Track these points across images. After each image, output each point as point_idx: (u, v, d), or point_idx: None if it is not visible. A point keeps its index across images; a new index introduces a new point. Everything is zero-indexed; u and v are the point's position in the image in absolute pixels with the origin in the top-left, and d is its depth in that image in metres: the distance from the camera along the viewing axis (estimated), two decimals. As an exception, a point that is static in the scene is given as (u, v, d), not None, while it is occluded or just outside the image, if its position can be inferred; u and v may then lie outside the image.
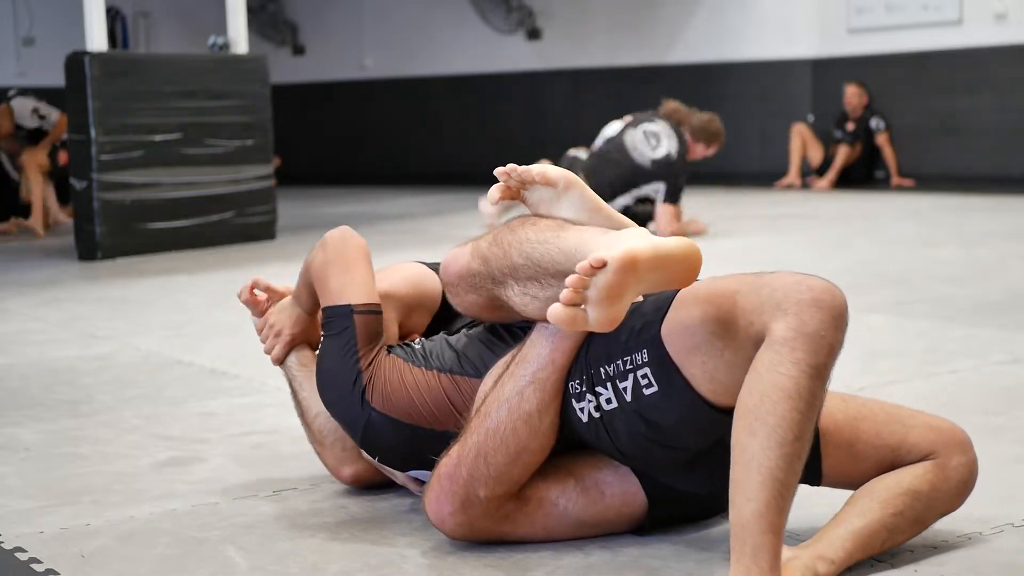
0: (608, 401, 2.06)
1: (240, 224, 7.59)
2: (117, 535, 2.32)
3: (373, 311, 2.33)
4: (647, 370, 2.01)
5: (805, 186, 10.92)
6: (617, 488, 2.18)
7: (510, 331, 2.26)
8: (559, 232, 2.08)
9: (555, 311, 1.87)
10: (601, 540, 2.23)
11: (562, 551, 2.18)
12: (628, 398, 2.04)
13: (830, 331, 1.87)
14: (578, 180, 2.16)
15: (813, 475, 2.17)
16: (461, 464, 2.10)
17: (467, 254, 2.17)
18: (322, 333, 2.39)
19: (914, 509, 2.08)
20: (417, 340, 2.39)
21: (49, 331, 4.65)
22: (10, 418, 3.29)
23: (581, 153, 7.25)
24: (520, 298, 2.11)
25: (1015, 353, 3.77)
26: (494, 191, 2.14)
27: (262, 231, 7.71)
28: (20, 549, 2.25)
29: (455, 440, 2.15)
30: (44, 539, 2.31)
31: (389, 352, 2.32)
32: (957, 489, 2.13)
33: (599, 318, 1.88)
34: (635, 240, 1.94)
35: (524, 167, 2.14)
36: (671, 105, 7.09)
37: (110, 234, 6.95)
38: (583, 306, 1.88)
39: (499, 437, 2.09)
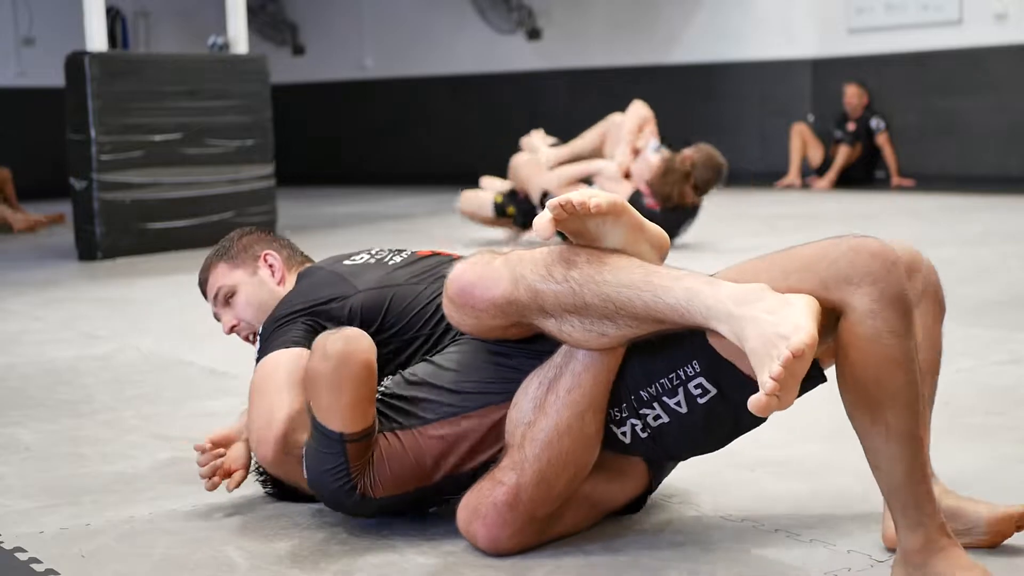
0: (657, 418, 2.10)
1: (240, 224, 7.55)
2: (117, 535, 2.32)
3: (366, 435, 2.18)
4: (700, 379, 2.05)
5: (805, 186, 10.92)
6: (627, 465, 2.24)
7: (507, 344, 2.21)
8: (647, 277, 2.00)
9: (757, 402, 1.81)
10: (601, 540, 2.23)
11: (562, 551, 2.18)
12: (683, 410, 2.08)
13: (904, 287, 1.93)
14: (626, 206, 2.07)
15: None
16: (521, 492, 2.10)
17: (507, 281, 2.06)
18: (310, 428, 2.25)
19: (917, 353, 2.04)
20: (385, 384, 2.31)
21: (49, 331, 4.65)
22: (10, 418, 3.29)
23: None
24: (575, 332, 2.05)
25: (1015, 353, 3.77)
26: (546, 225, 2.00)
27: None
28: (20, 549, 2.25)
29: (496, 469, 2.13)
30: (44, 539, 2.31)
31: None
32: (936, 308, 2.37)
33: (790, 400, 1.84)
34: (798, 314, 1.86)
35: (579, 199, 2.01)
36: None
37: (110, 234, 6.95)
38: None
39: (562, 462, 2.10)
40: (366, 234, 7.76)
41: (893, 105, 10.90)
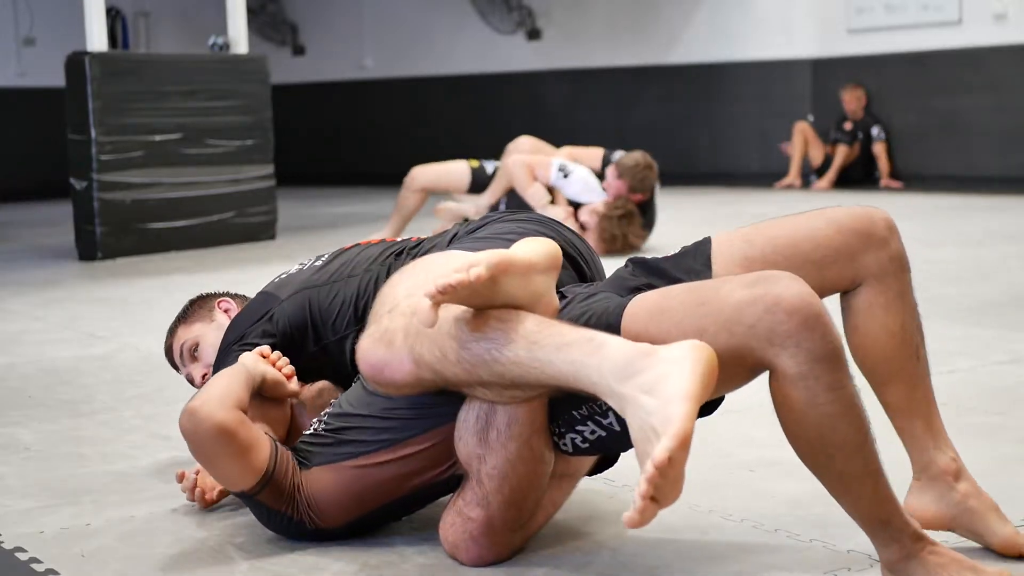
0: (593, 432, 2.08)
1: (240, 224, 7.59)
2: (117, 535, 2.33)
3: (266, 483, 2.17)
4: None
5: (806, 186, 10.92)
6: None
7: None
8: (531, 352, 1.91)
9: (630, 518, 1.73)
10: (600, 540, 2.23)
11: (562, 551, 2.18)
12: (617, 428, 2.05)
13: (832, 337, 1.89)
14: (509, 259, 1.94)
15: None
16: (493, 522, 2.09)
17: (409, 363, 1.98)
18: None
19: (915, 329, 2.16)
20: (314, 425, 2.28)
21: (49, 331, 4.65)
22: (10, 418, 3.29)
23: (489, 165, 7.14)
24: (489, 396, 2.01)
25: (1015, 353, 3.77)
26: (428, 314, 1.89)
27: (262, 231, 7.71)
28: (20, 549, 2.25)
29: (463, 503, 2.11)
30: (44, 539, 2.31)
31: (304, 467, 2.21)
32: (903, 272, 2.18)
33: (670, 500, 1.77)
34: (675, 399, 1.78)
35: (456, 279, 1.86)
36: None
37: (110, 234, 6.95)
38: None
39: (524, 487, 2.09)
40: (365, 234, 7.76)
41: (893, 105, 10.90)
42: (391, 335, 2.01)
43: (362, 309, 2.41)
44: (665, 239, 6.67)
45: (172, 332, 2.80)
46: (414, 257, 2.43)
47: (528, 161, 6.72)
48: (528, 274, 1.97)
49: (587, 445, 2.10)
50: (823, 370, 1.86)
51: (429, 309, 1.88)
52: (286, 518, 2.20)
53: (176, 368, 2.78)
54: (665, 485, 1.73)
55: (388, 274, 2.39)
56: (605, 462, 2.30)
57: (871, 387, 2.14)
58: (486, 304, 1.95)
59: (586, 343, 1.89)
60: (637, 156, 6.64)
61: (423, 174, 7.17)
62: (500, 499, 2.08)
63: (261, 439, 2.19)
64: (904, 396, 2.13)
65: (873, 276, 2.12)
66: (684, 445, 1.74)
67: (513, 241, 2.14)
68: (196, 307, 2.82)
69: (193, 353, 2.71)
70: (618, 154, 6.83)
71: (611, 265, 2.35)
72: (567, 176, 6.68)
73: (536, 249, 2.03)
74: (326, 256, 2.62)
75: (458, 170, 7.13)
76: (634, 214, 6.45)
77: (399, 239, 2.61)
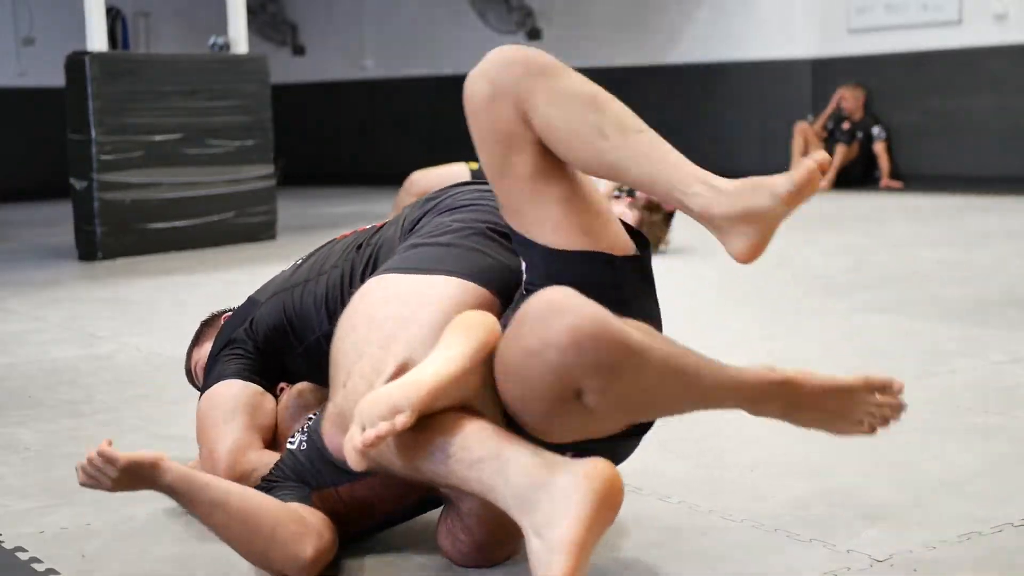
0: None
1: (240, 224, 7.59)
2: (117, 535, 2.33)
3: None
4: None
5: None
6: None
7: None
8: (449, 466, 1.85)
9: None
10: (601, 540, 2.23)
11: (562, 551, 2.18)
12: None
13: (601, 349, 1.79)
14: (432, 391, 1.84)
15: None
16: (480, 543, 2.07)
17: (364, 466, 1.89)
18: None
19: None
20: (298, 441, 2.27)
21: (50, 331, 4.65)
22: (11, 418, 3.29)
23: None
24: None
25: (1015, 353, 3.77)
26: (358, 460, 1.83)
27: (262, 231, 7.71)
28: (21, 549, 2.25)
29: (452, 524, 2.10)
30: (44, 539, 2.31)
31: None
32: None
33: None
34: (558, 559, 1.71)
35: (384, 430, 1.79)
36: None
37: (110, 234, 6.95)
38: None
39: (506, 518, 2.02)
40: (366, 234, 7.75)
41: (893, 105, 10.90)
42: (344, 420, 2.00)
43: (332, 308, 2.39)
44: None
45: (188, 356, 2.84)
46: (372, 250, 2.40)
47: None
48: (461, 384, 1.88)
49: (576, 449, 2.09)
50: (613, 401, 1.82)
51: (358, 460, 1.83)
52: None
53: (198, 389, 2.80)
54: None
55: (351, 270, 2.39)
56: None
57: None
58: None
59: (492, 461, 1.81)
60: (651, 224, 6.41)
61: (423, 178, 7.17)
62: (483, 530, 2.06)
63: (305, 526, 2.08)
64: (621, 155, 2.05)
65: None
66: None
67: (462, 253, 2.13)
68: (205, 327, 2.84)
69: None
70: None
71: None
72: None
73: (471, 346, 1.90)
74: (306, 256, 2.63)
75: (458, 173, 7.12)
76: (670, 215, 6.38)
77: (366, 227, 2.59)
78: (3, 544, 2.28)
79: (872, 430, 2.08)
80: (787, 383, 2.02)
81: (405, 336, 2.02)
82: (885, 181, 10.69)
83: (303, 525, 2.05)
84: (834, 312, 4.60)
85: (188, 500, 2.04)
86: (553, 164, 2.04)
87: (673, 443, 2.86)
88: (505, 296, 2.12)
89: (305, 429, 2.24)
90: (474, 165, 7.15)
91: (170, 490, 2.04)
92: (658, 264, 2.20)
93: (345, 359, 2.07)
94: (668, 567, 2.10)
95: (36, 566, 2.16)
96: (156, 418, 3.25)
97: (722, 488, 2.52)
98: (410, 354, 1.99)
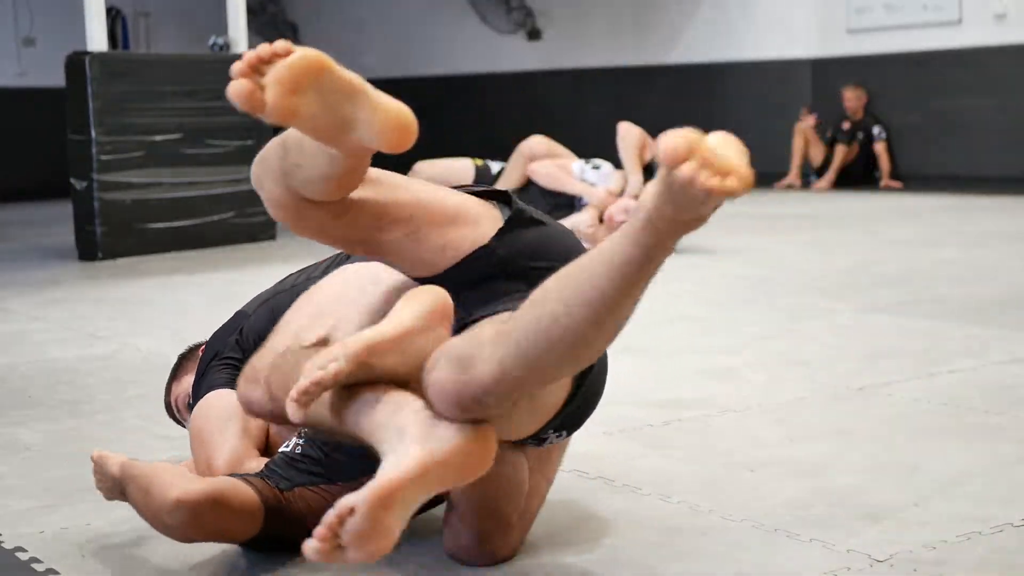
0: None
1: (240, 224, 7.59)
2: (117, 535, 2.33)
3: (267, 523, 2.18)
4: None
5: (806, 186, 10.92)
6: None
7: None
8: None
9: (309, 548, 1.67)
10: (601, 540, 2.23)
11: (563, 551, 2.18)
12: None
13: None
14: (371, 346, 1.84)
15: None
16: (479, 534, 2.10)
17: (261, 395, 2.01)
18: None
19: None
20: (295, 445, 2.29)
21: (50, 331, 4.65)
22: (11, 418, 3.29)
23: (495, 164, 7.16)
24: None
25: (1015, 353, 3.77)
26: (297, 412, 1.82)
27: (262, 231, 7.71)
28: (21, 549, 2.25)
29: (449, 517, 2.13)
30: (44, 539, 2.31)
31: (286, 488, 2.21)
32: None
33: (360, 557, 1.69)
34: (395, 465, 1.72)
35: (316, 378, 1.82)
36: None
37: (110, 234, 6.95)
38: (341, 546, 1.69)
39: (496, 505, 2.09)
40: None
41: (893, 105, 10.90)
42: (254, 373, 2.03)
43: None
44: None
45: (168, 391, 2.84)
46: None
47: (551, 164, 6.78)
48: (402, 346, 1.86)
49: (566, 433, 2.11)
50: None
51: (295, 410, 1.81)
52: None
53: (180, 423, 2.81)
54: (351, 539, 1.67)
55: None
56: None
57: None
58: (366, 380, 1.86)
59: (393, 408, 1.83)
60: None
61: (426, 169, 7.18)
62: (478, 518, 2.08)
63: (245, 499, 2.13)
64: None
65: None
66: (383, 504, 1.68)
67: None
68: (183, 361, 2.85)
69: (188, 405, 2.72)
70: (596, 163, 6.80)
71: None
72: (598, 168, 6.72)
73: (414, 311, 1.88)
74: (297, 271, 2.63)
75: (461, 167, 7.13)
76: None
77: None
78: (3, 544, 2.28)
79: None
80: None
81: (336, 312, 2.05)
82: (886, 181, 10.70)
83: (181, 477, 2.09)
84: (834, 312, 4.60)
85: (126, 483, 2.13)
86: (371, 217, 2.00)
87: (673, 443, 2.86)
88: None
89: (302, 434, 2.24)
90: (479, 161, 7.19)
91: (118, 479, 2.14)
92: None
93: (278, 328, 2.11)
94: (668, 567, 2.10)
95: (36, 566, 2.16)
96: (156, 418, 3.25)
97: (722, 488, 2.52)
98: (335, 328, 2.01)
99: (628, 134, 6.69)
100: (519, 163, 6.89)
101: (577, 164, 6.82)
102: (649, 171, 6.67)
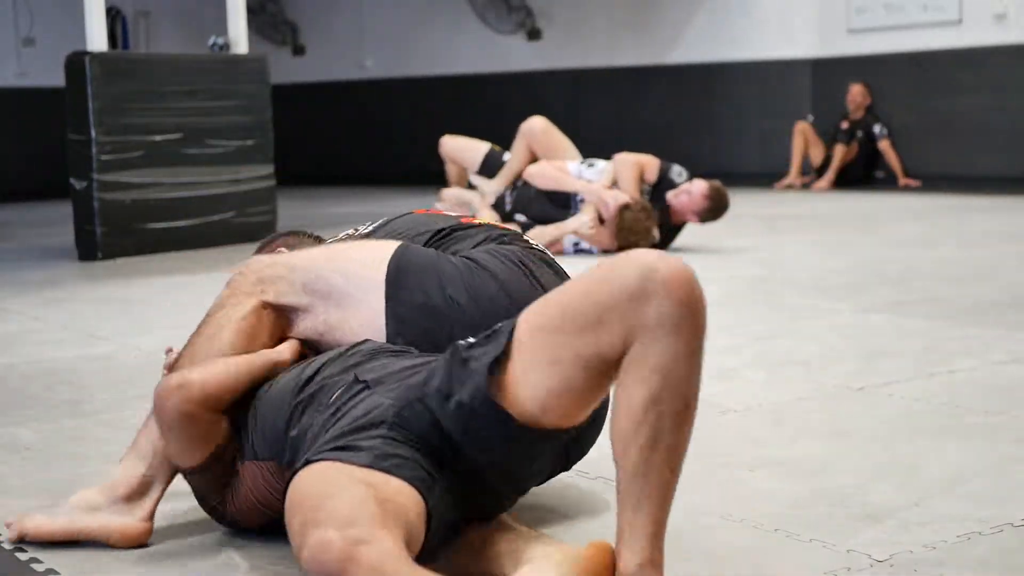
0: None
1: (240, 224, 7.58)
2: (117, 535, 2.32)
3: (193, 472, 2.24)
4: None
5: (805, 186, 10.92)
6: None
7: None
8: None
9: None
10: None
11: (562, 551, 2.17)
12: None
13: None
14: None
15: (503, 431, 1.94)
16: None
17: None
18: None
19: (665, 413, 1.82)
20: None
21: (49, 331, 4.65)
22: (11, 418, 3.29)
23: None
24: None
25: (1015, 353, 3.77)
26: None
27: (262, 231, 7.70)
28: (20, 549, 2.25)
29: None
30: (44, 539, 2.31)
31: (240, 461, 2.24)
32: (673, 340, 1.83)
33: None
34: None
35: None
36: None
37: (110, 234, 6.94)
38: None
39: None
40: (366, 234, 7.75)
41: (893, 105, 10.90)
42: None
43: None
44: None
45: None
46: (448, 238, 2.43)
47: (548, 165, 6.85)
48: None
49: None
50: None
51: None
52: (211, 504, 2.27)
53: None
54: None
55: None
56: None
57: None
58: None
59: None
60: (633, 219, 6.43)
61: (448, 143, 7.50)
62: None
63: (218, 433, 2.20)
64: (622, 480, 1.84)
65: (637, 340, 1.81)
66: None
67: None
68: (266, 243, 2.84)
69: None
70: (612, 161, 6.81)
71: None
72: (592, 166, 6.78)
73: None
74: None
75: (477, 148, 7.40)
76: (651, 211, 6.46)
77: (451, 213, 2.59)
78: (3, 544, 2.28)
79: None
80: None
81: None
82: (903, 180, 10.60)
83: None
84: (834, 312, 4.60)
85: None
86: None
87: (673, 443, 2.86)
88: None
89: None
90: (496, 147, 7.34)
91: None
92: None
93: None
94: (668, 567, 2.09)
95: (36, 566, 2.16)
96: (156, 418, 3.25)
97: (722, 488, 2.52)
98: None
99: (623, 166, 6.71)
100: (521, 144, 7.07)
101: (573, 165, 6.86)
102: (660, 189, 6.67)
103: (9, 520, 2.29)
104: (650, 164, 6.74)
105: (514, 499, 2.11)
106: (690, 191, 6.52)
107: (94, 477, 2.71)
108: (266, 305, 2.33)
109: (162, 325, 4.75)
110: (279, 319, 2.34)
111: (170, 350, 2.47)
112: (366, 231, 2.57)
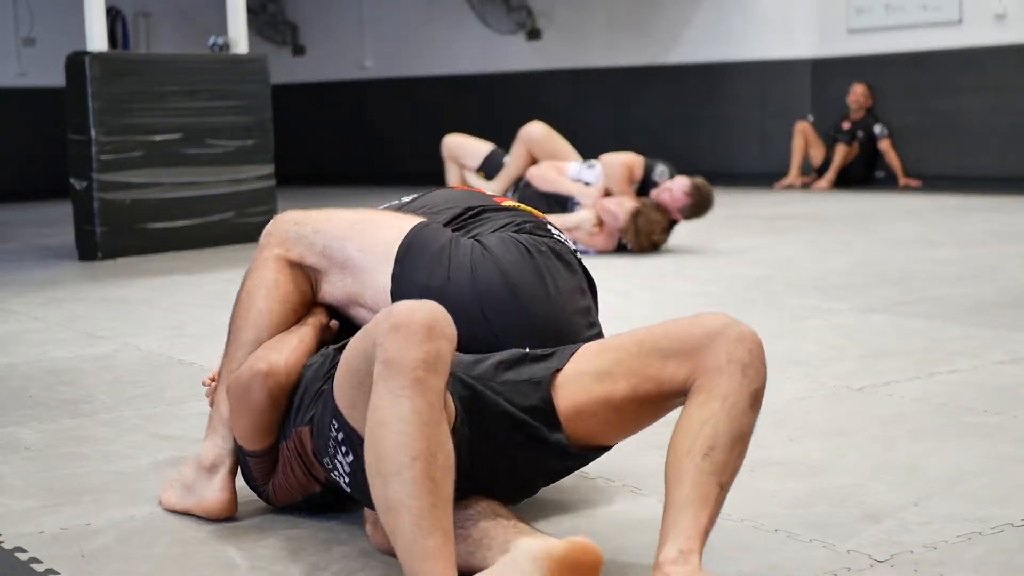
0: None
1: (240, 224, 7.58)
2: (117, 535, 2.33)
3: (258, 455, 2.34)
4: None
5: (806, 186, 10.92)
6: None
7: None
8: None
9: None
10: (601, 540, 2.22)
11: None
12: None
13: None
14: None
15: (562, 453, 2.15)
16: None
17: None
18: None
19: (720, 432, 1.94)
20: None
21: (50, 331, 4.65)
22: (11, 418, 3.29)
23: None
24: None
25: (1015, 353, 3.77)
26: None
27: (262, 231, 7.70)
28: (20, 549, 2.25)
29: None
30: (44, 539, 2.31)
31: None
32: (739, 376, 1.96)
33: None
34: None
35: None
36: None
37: (110, 234, 6.94)
38: None
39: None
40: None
41: (893, 105, 10.90)
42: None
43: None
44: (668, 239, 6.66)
45: None
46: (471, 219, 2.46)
47: (547, 166, 6.89)
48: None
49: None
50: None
51: None
52: (253, 483, 2.40)
53: None
54: None
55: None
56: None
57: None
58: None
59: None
60: (647, 221, 6.46)
61: (450, 141, 7.50)
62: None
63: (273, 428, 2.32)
64: (670, 490, 1.96)
65: (705, 373, 1.97)
66: None
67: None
68: None
69: None
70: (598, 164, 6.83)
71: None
72: (593, 166, 6.79)
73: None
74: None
75: (478, 147, 7.43)
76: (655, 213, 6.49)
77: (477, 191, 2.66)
78: (3, 544, 2.28)
79: None
80: None
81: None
82: (904, 180, 10.60)
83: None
84: (834, 312, 4.60)
85: None
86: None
87: (673, 443, 2.86)
88: None
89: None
90: (500, 149, 7.40)
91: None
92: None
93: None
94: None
95: (36, 566, 2.16)
96: (156, 418, 3.25)
97: (722, 488, 2.52)
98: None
99: (611, 168, 6.72)
100: (520, 149, 7.07)
101: (574, 165, 6.88)
102: (643, 187, 6.70)
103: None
104: (636, 163, 6.77)
105: (504, 499, 2.13)
106: (671, 188, 6.52)
107: (94, 477, 2.72)
108: (291, 263, 2.43)
109: (162, 325, 4.75)
110: (305, 278, 2.44)
111: (213, 380, 2.57)
112: (407, 200, 2.61)
